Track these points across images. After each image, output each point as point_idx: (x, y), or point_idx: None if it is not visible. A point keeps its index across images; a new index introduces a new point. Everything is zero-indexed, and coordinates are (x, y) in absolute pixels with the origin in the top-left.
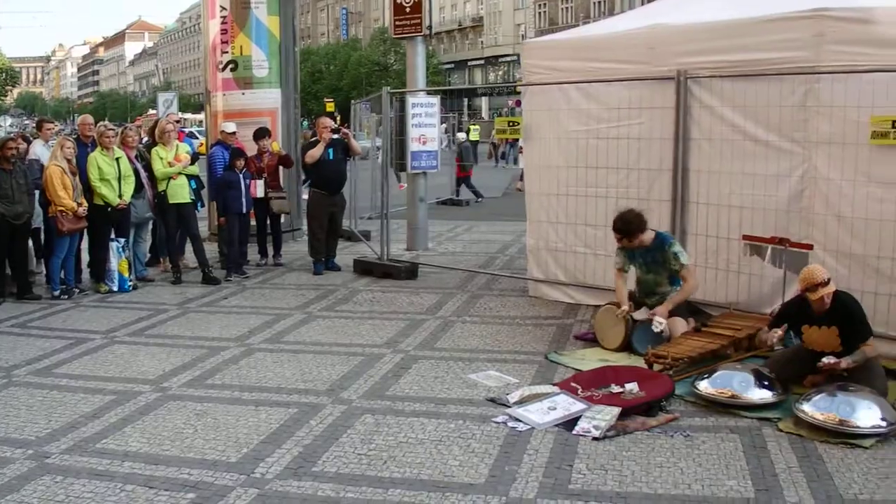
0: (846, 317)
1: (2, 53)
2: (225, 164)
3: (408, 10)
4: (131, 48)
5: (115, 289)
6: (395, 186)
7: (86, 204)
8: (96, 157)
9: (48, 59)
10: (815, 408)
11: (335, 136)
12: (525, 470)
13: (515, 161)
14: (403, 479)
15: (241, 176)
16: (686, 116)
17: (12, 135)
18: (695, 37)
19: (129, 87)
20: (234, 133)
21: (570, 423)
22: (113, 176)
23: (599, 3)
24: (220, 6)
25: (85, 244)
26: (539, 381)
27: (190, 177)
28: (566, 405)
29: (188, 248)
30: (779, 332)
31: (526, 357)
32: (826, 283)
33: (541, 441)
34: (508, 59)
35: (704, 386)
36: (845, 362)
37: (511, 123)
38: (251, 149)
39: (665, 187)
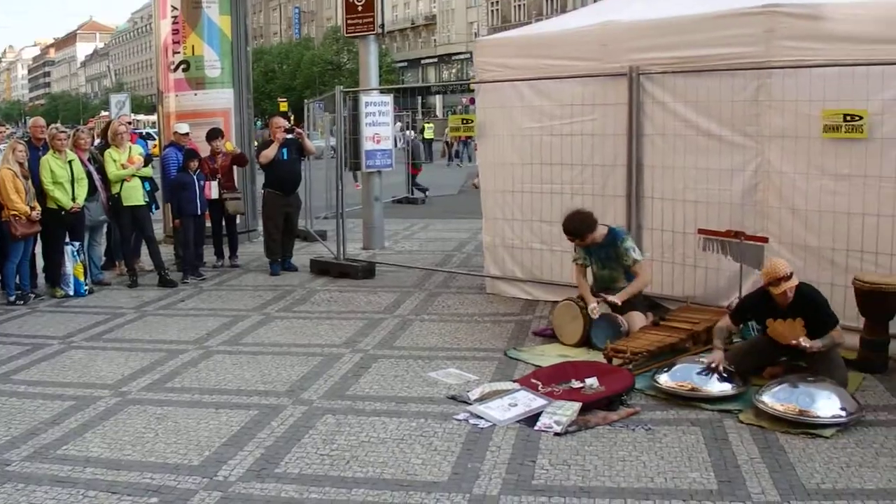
0: (810, 308)
1: None
2: (179, 166)
3: (360, 8)
4: (83, 49)
5: (71, 293)
6: (350, 185)
7: (39, 208)
8: (49, 161)
9: None
10: (775, 399)
11: (289, 136)
12: (488, 467)
13: (470, 159)
14: (366, 478)
15: (195, 177)
16: (639, 112)
17: None
18: (647, 33)
19: (81, 89)
20: (187, 134)
21: (532, 419)
22: (66, 179)
23: (552, 0)
24: (172, 6)
25: (39, 248)
26: (499, 378)
27: (144, 179)
28: (527, 401)
29: (143, 250)
30: (720, 358)
31: (485, 354)
32: (789, 278)
33: (503, 438)
34: (462, 57)
35: (664, 379)
36: (816, 345)
37: (465, 121)
38: (205, 150)
39: (620, 183)
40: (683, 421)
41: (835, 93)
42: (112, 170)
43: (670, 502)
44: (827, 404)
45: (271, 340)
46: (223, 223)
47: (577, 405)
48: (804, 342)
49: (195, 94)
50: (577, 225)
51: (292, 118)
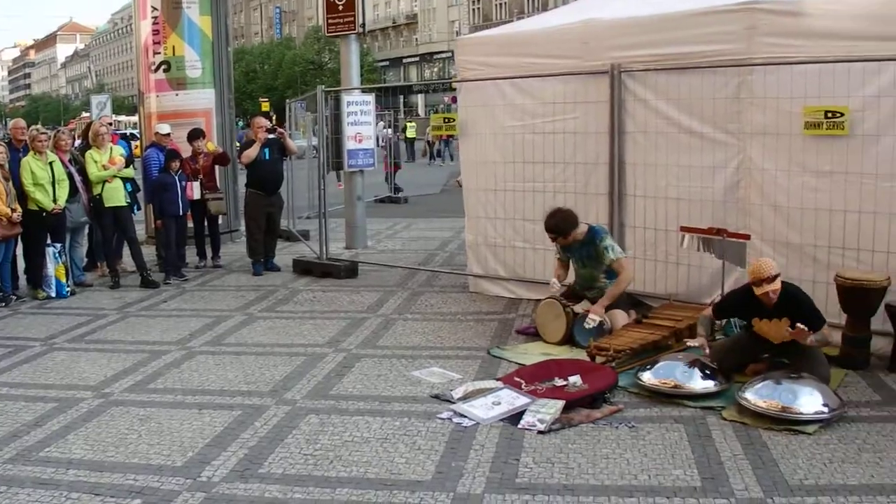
0: (796, 308)
1: None
2: (160, 166)
3: (341, 8)
4: (63, 50)
5: (53, 295)
6: (332, 185)
7: (20, 210)
8: (29, 162)
9: None
10: (758, 395)
11: (271, 136)
12: (471, 465)
13: (452, 157)
14: (350, 478)
15: (176, 178)
16: (621, 110)
17: None
18: (628, 31)
19: (62, 90)
20: (168, 134)
21: (515, 417)
22: (47, 180)
23: None
24: (152, 6)
25: (20, 250)
26: (482, 377)
27: (125, 180)
28: (510, 399)
29: (125, 251)
30: (703, 343)
31: (468, 353)
32: (772, 280)
33: (486, 436)
34: (443, 55)
35: (647, 377)
36: (812, 338)
37: (447, 120)
38: (186, 150)
39: (602, 181)
40: (667, 418)
41: (816, 89)
42: (93, 171)
43: (654, 499)
44: (809, 401)
45: (254, 341)
46: (205, 223)
47: (561, 403)
48: (803, 335)
49: (176, 95)
50: (558, 223)
51: (274, 118)
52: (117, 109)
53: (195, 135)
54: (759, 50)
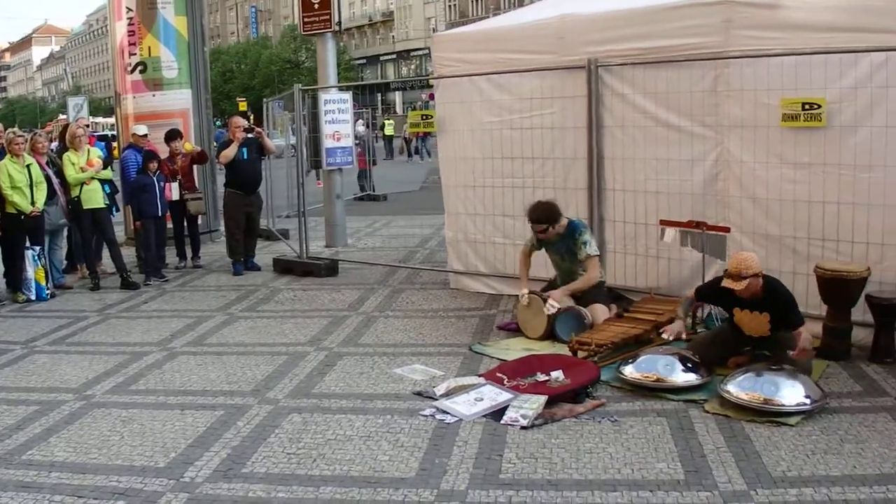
0: (775, 304)
1: None
2: (138, 168)
3: (316, 6)
4: (38, 53)
5: (33, 297)
6: (311, 184)
7: None
8: (6, 165)
9: None
10: (740, 388)
11: (248, 136)
12: (455, 462)
13: (429, 154)
14: (334, 476)
15: (154, 179)
16: (598, 105)
17: None
18: (604, 25)
19: (38, 93)
20: (145, 136)
21: (498, 413)
22: (24, 183)
23: None
24: (127, 7)
25: None
26: (465, 373)
27: (103, 181)
28: (493, 395)
29: (105, 253)
30: (681, 327)
31: (450, 349)
32: (738, 279)
33: (469, 432)
34: (420, 52)
35: (629, 371)
36: (804, 343)
37: (424, 117)
38: (164, 151)
39: (581, 175)
40: (649, 412)
41: (793, 82)
42: (71, 173)
43: (637, 493)
44: (791, 392)
45: (236, 340)
46: (185, 224)
47: (543, 398)
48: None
49: (153, 96)
50: (543, 213)
51: (251, 117)
52: (94, 111)
53: (172, 135)
54: (736, 43)
